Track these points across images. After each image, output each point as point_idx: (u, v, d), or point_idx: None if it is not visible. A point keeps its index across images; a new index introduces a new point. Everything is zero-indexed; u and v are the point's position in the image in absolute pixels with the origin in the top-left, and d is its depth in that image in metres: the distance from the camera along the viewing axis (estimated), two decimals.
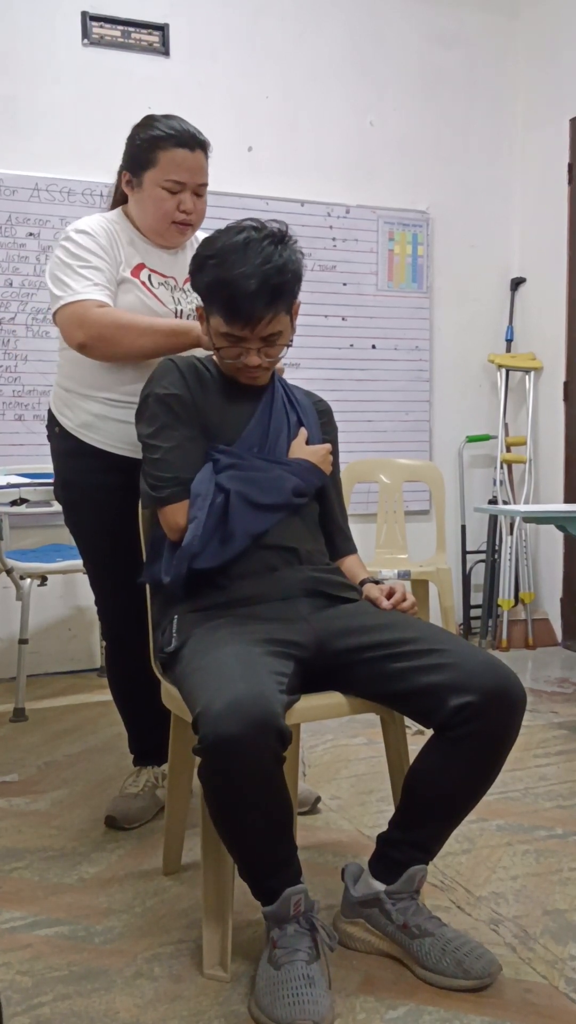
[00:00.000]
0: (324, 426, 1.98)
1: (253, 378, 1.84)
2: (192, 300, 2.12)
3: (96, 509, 2.15)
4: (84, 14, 3.68)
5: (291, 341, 1.82)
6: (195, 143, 2.06)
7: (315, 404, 1.99)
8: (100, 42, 3.72)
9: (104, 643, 2.32)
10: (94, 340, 1.98)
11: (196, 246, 2.11)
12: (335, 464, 1.96)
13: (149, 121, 2.08)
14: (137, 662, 2.04)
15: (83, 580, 3.76)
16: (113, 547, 2.12)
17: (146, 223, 2.10)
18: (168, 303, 2.10)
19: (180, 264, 2.14)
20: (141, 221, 2.11)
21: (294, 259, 1.75)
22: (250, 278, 1.69)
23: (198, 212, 2.11)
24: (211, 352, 1.87)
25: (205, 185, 2.10)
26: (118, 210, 2.16)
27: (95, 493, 2.13)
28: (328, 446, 1.92)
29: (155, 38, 3.81)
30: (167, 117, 2.09)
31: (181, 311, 2.11)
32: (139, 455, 1.88)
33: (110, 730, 3.01)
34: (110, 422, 2.09)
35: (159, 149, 2.04)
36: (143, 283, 2.08)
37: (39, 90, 3.65)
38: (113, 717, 3.07)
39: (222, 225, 1.81)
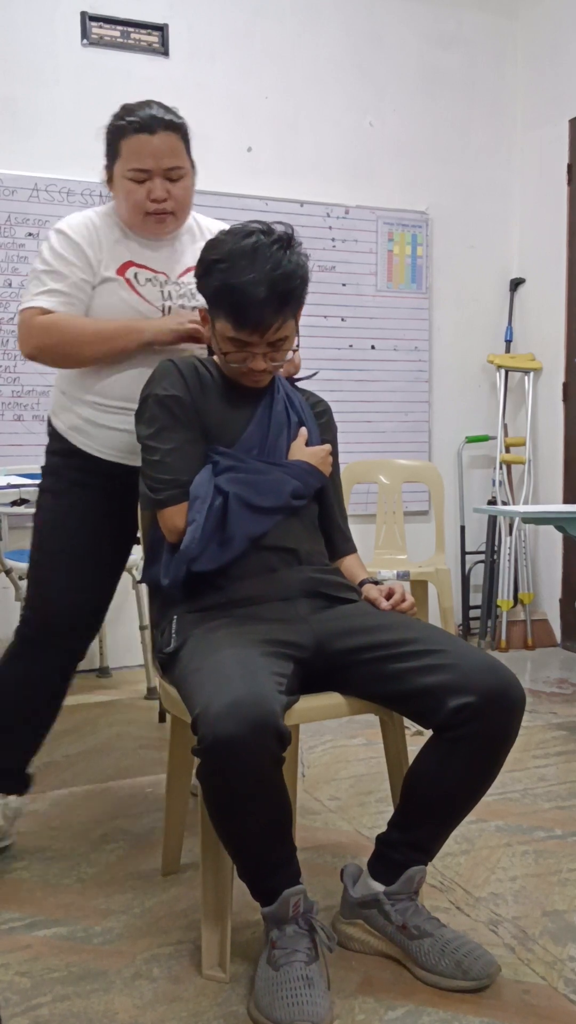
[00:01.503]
0: (323, 426, 1.97)
1: (256, 381, 1.83)
2: (184, 293, 2.04)
3: (68, 500, 2.08)
4: (83, 14, 3.68)
5: (297, 344, 1.82)
6: (158, 124, 1.91)
7: (314, 404, 1.98)
8: (99, 42, 3.72)
9: (14, 638, 2.12)
10: (37, 351, 1.95)
11: (191, 236, 2.06)
12: (334, 464, 1.95)
13: (118, 111, 1.98)
14: (46, 670, 2.00)
15: None
16: (69, 542, 2.06)
17: (124, 216, 2.00)
18: (155, 300, 2.02)
19: (172, 258, 2.05)
20: (121, 215, 2.02)
21: (302, 264, 1.74)
22: (260, 285, 1.67)
23: (175, 198, 1.95)
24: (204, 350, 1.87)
25: (179, 168, 1.94)
26: (110, 205, 2.06)
27: (72, 487, 2.07)
28: (328, 447, 1.91)
29: (154, 38, 3.81)
30: (138, 105, 1.96)
31: (169, 307, 2.03)
32: (127, 460, 1.87)
33: (109, 731, 3.00)
34: (99, 427, 2.02)
35: (121, 139, 1.94)
36: (128, 281, 2.00)
37: (38, 90, 3.65)
38: (113, 717, 3.08)
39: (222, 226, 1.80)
